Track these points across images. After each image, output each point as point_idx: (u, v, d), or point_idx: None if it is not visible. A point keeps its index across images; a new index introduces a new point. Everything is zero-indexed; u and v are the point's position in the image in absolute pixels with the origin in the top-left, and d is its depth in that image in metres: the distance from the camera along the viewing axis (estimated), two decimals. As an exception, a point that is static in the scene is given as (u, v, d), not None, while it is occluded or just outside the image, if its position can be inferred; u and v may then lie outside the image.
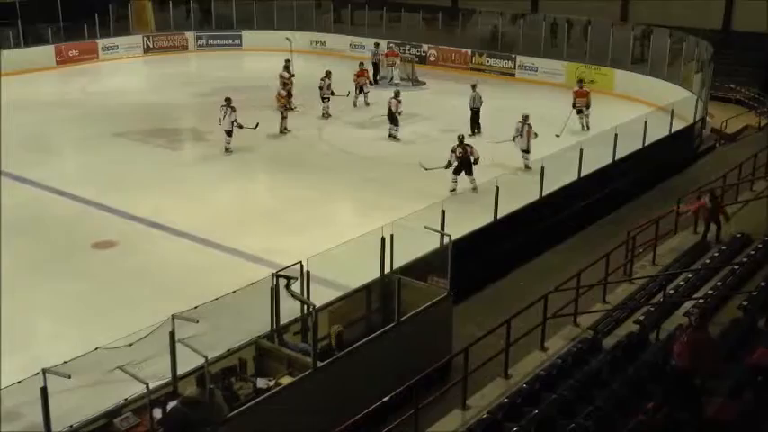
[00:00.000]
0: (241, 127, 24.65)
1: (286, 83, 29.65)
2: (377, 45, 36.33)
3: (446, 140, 23.60)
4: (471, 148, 21.15)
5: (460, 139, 21.27)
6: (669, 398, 9.86)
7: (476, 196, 19.91)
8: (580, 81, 28.30)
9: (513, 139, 23.21)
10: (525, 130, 22.87)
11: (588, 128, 26.32)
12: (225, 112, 24.63)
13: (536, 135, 23.00)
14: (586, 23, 35.60)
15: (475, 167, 21.01)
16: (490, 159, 22.05)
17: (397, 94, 26.48)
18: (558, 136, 24.42)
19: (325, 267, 12.70)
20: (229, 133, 24.77)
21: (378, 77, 34.73)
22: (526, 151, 22.93)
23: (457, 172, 21.11)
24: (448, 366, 12.56)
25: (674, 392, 9.89)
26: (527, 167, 22.69)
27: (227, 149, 24.87)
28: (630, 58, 33.89)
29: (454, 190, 21.03)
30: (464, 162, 20.99)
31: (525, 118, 23.08)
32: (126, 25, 41.94)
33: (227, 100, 24.79)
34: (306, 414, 11.17)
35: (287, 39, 36.76)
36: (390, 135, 26.38)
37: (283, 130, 27.08)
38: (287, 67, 31.35)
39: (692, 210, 16.93)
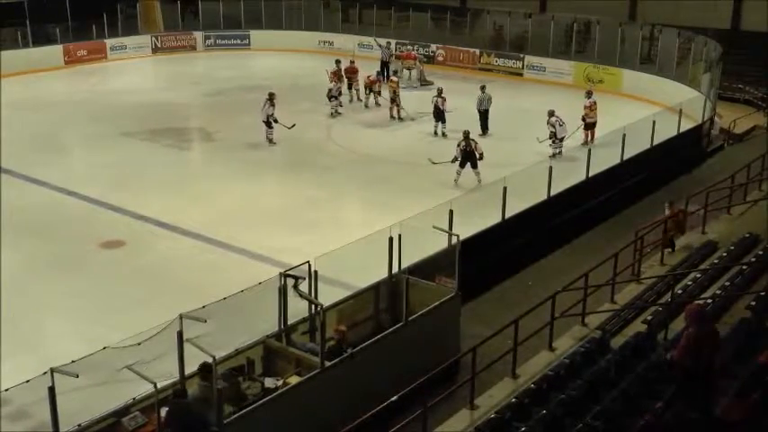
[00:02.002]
0: (276, 122, 25.34)
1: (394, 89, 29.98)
2: (388, 44, 36.34)
3: (454, 139, 23.64)
4: (476, 143, 21.88)
5: (465, 134, 21.90)
6: (678, 396, 9.85)
7: (488, 195, 19.83)
8: (589, 92, 26.44)
9: (551, 137, 24.03)
10: (561, 121, 24.03)
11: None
12: (263, 105, 25.34)
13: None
14: (595, 23, 35.51)
15: (480, 162, 21.66)
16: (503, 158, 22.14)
17: (440, 92, 26.64)
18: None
19: (333, 267, 12.69)
20: (267, 124, 25.38)
21: (388, 75, 34.69)
22: (562, 139, 24.09)
23: (462, 165, 21.81)
24: (456, 366, 12.57)
25: (683, 391, 9.87)
26: (560, 153, 23.96)
27: (269, 140, 25.49)
28: (639, 57, 33.84)
29: (457, 180, 21.77)
30: (469, 155, 21.72)
31: (551, 113, 24.14)
32: (134, 25, 42.02)
33: (270, 95, 25.43)
34: (314, 414, 11.19)
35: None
36: (436, 133, 26.61)
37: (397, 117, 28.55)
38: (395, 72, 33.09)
39: (668, 217, 16.86)
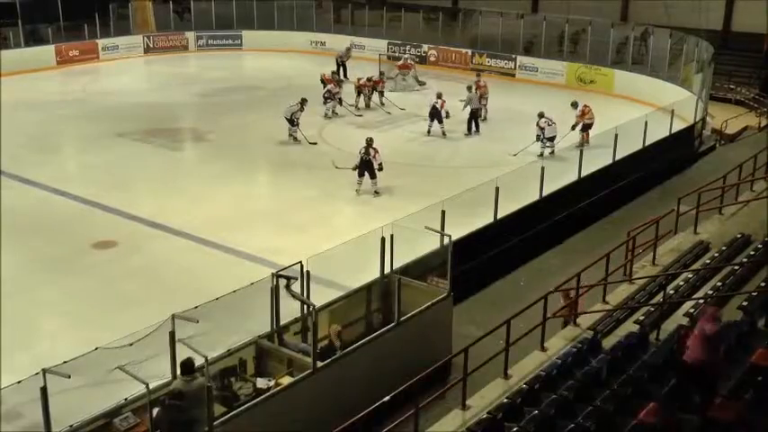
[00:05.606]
0: (298, 125, 25.54)
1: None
2: (349, 48, 36.56)
3: (453, 139, 23.68)
4: (376, 152, 21.03)
5: (368, 141, 21.22)
6: (678, 392, 9.86)
7: (480, 195, 19.81)
8: (575, 103, 25.86)
9: (538, 138, 23.85)
10: (551, 121, 23.81)
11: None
12: (292, 104, 25.58)
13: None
14: (587, 23, 35.54)
15: (380, 173, 20.98)
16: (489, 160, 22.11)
17: (440, 95, 26.60)
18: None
19: (326, 267, 12.69)
20: (290, 122, 25.51)
21: (346, 75, 34.86)
22: (552, 139, 23.81)
23: (360, 174, 21.11)
24: (448, 366, 12.56)
25: (685, 386, 9.88)
26: (552, 153, 23.70)
27: (293, 138, 25.65)
28: (630, 58, 33.89)
29: (358, 190, 21.16)
30: (366, 164, 20.98)
31: (541, 114, 23.97)
32: (126, 25, 41.91)
33: (302, 100, 25.68)
34: (305, 414, 11.18)
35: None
36: (429, 132, 26.58)
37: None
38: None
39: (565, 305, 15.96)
